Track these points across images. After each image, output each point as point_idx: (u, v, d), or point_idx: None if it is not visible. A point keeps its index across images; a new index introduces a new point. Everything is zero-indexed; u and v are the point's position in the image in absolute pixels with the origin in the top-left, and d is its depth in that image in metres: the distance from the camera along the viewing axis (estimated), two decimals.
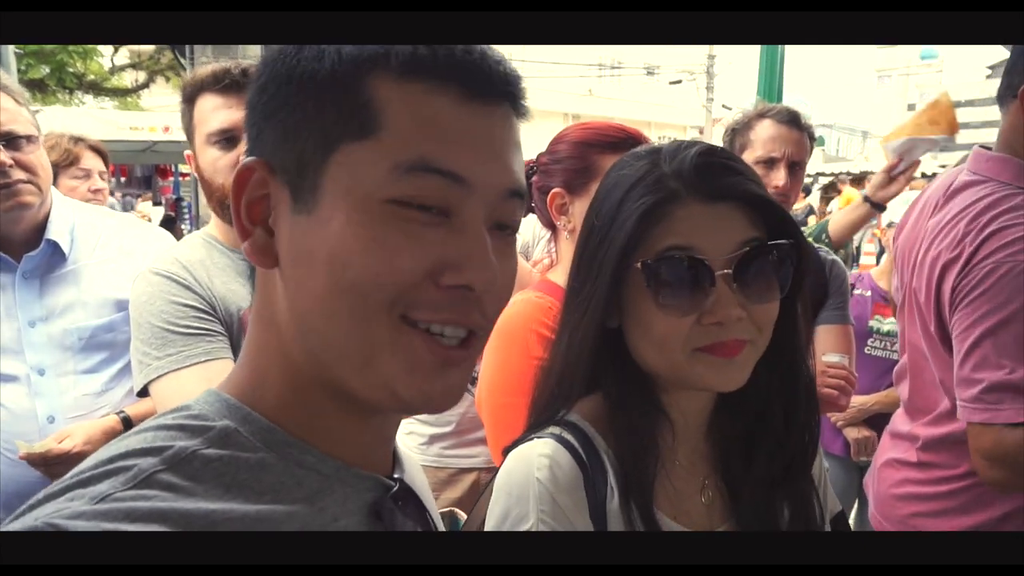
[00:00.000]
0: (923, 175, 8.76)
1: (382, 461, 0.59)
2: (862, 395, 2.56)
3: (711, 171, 0.77)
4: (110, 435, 1.50)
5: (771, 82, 3.48)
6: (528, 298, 1.34)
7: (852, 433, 2.59)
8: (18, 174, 1.45)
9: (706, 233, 0.75)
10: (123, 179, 11.29)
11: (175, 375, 1.15)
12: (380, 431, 0.58)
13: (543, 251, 1.91)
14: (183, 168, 11.34)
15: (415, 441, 1.88)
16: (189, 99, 1.38)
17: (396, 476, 0.59)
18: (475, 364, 0.55)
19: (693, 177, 0.77)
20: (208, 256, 1.33)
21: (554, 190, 1.35)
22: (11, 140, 1.44)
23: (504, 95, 0.52)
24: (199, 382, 1.12)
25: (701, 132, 26.44)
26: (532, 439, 0.82)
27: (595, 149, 1.32)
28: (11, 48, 3.33)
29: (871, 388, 2.60)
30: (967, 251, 1.32)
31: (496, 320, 0.54)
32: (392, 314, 0.49)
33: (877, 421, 2.52)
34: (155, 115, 8.15)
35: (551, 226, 1.42)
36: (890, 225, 2.67)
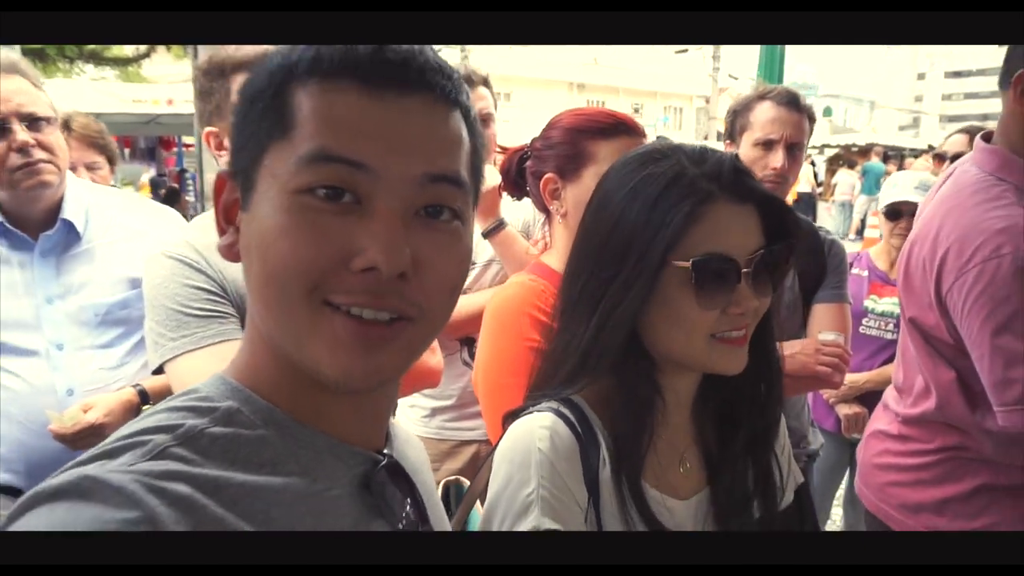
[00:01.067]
0: (930, 147, 8.70)
1: (374, 437, 0.64)
2: (855, 373, 2.61)
3: (742, 175, 0.85)
4: (128, 407, 1.57)
5: (772, 51, 3.47)
6: (522, 281, 1.38)
7: (844, 410, 2.64)
8: (39, 154, 1.50)
9: (735, 234, 0.83)
10: (127, 150, 11.31)
11: (190, 355, 1.20)
12: (367, 409, 0.62)
13: (541, 232, 1.96)
14: (186, 140, 11.32)
15: (417, 414, 1.95)
16: (222, 75, 1.37)
17: (386, 452, 0.64)
18: (417, 350, 0.58)
19: (730, 181, 0.84)
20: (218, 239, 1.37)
21: (547, 175, 1.39)
22: (32, 121, 1.49)
23: (413, 84, 0.55)
24: (212, 362, 1.17)
25: (707, 101, 26.20)
26: (532, 412, 0.88)
27: (586, 135, 1.35)
28: None
29: (864, 367, 2.64)
30: (953, 251, 1.33)
31: (437, 310, 0.57)
32: (312, 299, 0.53)
33: (869, 399, 2.57)
34: (158, 87, 8.13)
35: (545, 210, 1.46)
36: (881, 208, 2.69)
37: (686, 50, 25.07)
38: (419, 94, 0.55)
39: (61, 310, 1.59)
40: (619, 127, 1.36)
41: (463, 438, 1.88)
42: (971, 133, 3.37)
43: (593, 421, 0.88)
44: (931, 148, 8.57)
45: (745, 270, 0.83)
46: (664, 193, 0.83)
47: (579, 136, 1.36)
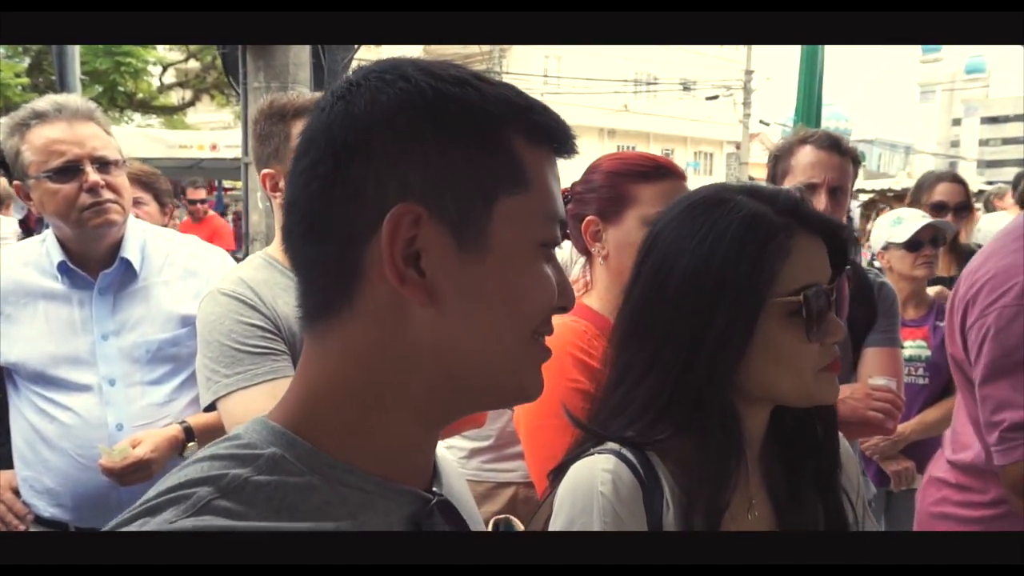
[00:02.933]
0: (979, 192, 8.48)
1: (423, 474, 0.63)
2: None
3: (810, 208, 0.88)
4: (173, 444, 1.60)
5: (810, 97, 3.48)
6: (564, 322, 1.40)
7: (891, 466, 2.52)
8: (107, 194, 1.57)
9: (819, 266, 0.86)
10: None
11: (243, 392, 1.21)
12: (421, 447, 0.62)
13: (579, 272, 1.97)
14: (226, 184, 11.65)
15: (455, 455, 1.95)
16: (282, 120, 1.42)
17: (435, 489, 0.63)
18: None
19: (805, 215, 0.86)
20: (271, 276, 1.39)
21: (588, 218, 1.41)
22: (103, 164, 1.57)
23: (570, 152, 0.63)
24: (265, 399, 1.17)
25: (738, 147, 26.24)
26: (593, 454, 0.88)
27: (627, 179, 1.38)
28: (77, 73, 3.52)
29: (901, 417, 2.55)
30: (985, 289, 1.34)
31: None
32: (531, 331, 0.60)
33: (914, 450, 2.48)
34: (203, 134, 8.43)
35: (586, 252, 1.48)
36: (886, 248, 2.62)
37: (716, 96, 25.22)
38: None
39: (115, 346, 1.64)
40: (660, 170, 1.39)
41: (501, 480, 1.87)
42: None
43: (656, 464, 0.87)
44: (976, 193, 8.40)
45: (831, 299, 0.85)
46: (748, 234, 0.84)
47: (620, 179, 1.39)
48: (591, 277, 1.49)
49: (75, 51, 3.53)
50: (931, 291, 2.69)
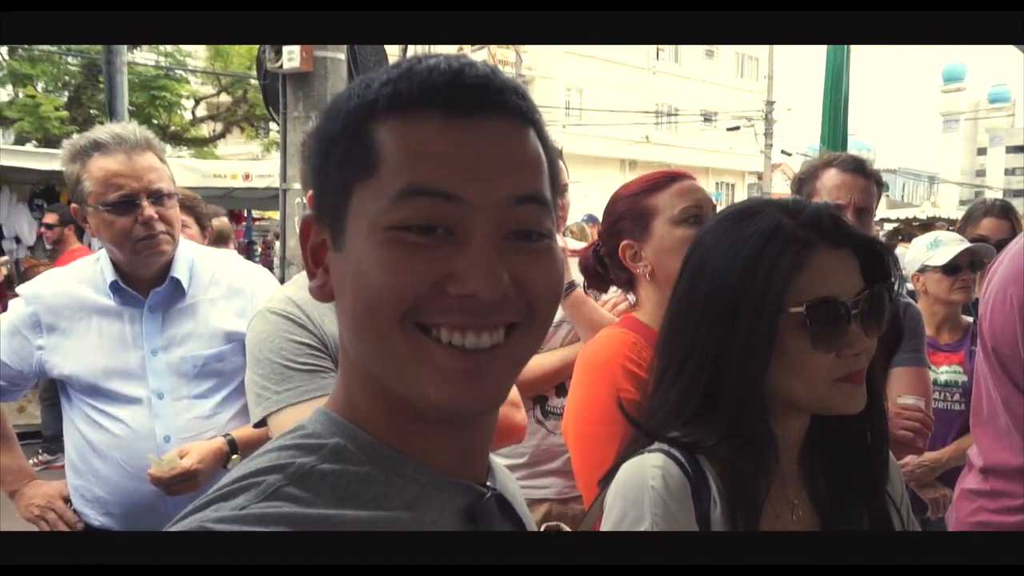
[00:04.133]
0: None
1: (476, 470, 0.64)
2: (930, 452, 2.49)
3: (838, 222, 0.90)
4: (218, 456, 1.65)
5: (835, 126, 3.50)
6: (614, 332, 1.44)
7: (928, 494, 2.47)
8: (160, 227, 1.65)
9: (839, 277, 0.88)
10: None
11: (294, 408, 1.24)
12: (468, 441, 0.62)
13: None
14: (256, 213, 11.88)
15: None
16: None
17: (488, 484, 0.64)
18: (521, 361, 0.58)
19: (828, 228, 0.89)
20: None
21: (623, 244, 1.47)
22: (158, 197, 1.65)
23: (492, 106, 0.55)
24: None
25: (760, 178, 26.21)
26: (643, 453, 0.91)
27: (643, 195, 1.46)
28: (126, 104, 3.65)
29: (937, 444, 2.52)
30: None
31: (542, 309, 0.57)
32: (406, 324, 0.53)
33: (951, 477, 2.45)
34: (235, 163, 8.63)
35: (629, 287, 1.53)
36: (922, 270, 2.61)
37: (737, 127, 25.30)
38: (498, 116, 0.55)
39: (163, 361, 1.70)
40: (668, 177, 1.48)
41: (535, 496, 1.90)
42: None
43: (703, 462, 0.90)
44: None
45: (854, 311, 0.86)
46: (766, 246, 0.88)
47: (637, 198, 1.47)
48: (638, 296, 1.53)
49: (124, 86, 3.66)
50: None
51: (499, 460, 1.92)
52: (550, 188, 0.59)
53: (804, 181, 1.98)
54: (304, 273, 1.62)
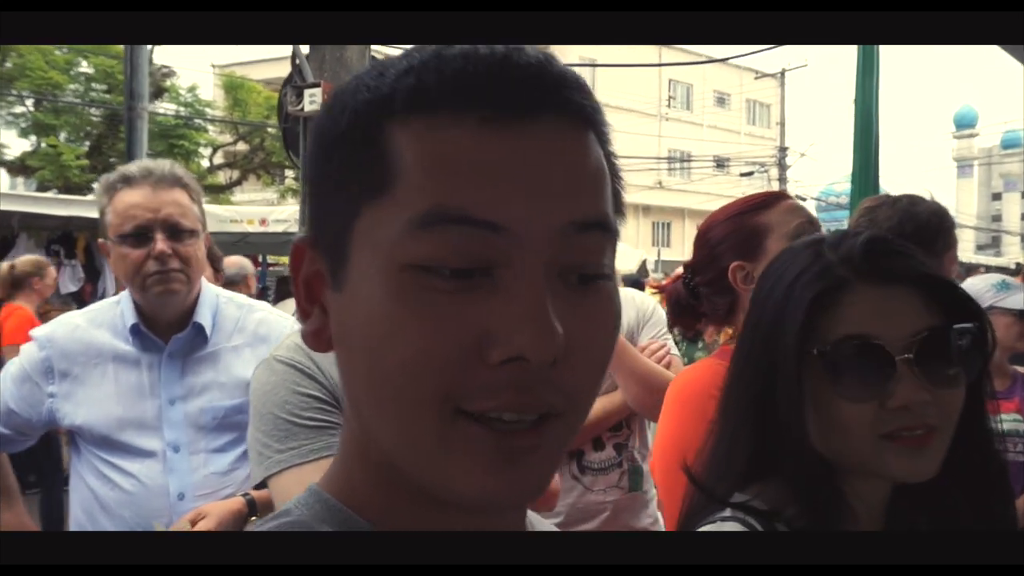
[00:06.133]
0: (1018, 266, 8.34)
1: None
2: None
3: (880, 255, 0.79)
4: (238, 519, 1.54)
5: (866, 169, 3.43)
6: (709, 363, 1.35)
7: None
8: (173, 263, 1.56)
9: (881, 318, 0.77)
10: None
11: (297, 470, 1.12)
12: (492, 528, 0.49)
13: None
14: (271, 259, 11.96)
15: None
16: None
17: None
18: (561, 450, 0.46)
19: (862, 262, 0.79)
20: None
21: (733, 265, 1.37)
22: (175, 232, 1.57)
23: (547, 106, 0.42)
24: (319, 478, 1.11)
25: None
26: (717, 520, 0.82)
27: (748, 214, 1.37)
28: (144, 150, 3.66)
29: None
30: None
31: (586, 397, 0.45)
32: (444, 408, 0.41)
33: None
34: (251, 209, 8.70)
35: (728, 313, 1.42)
36: (988, 310, 2.53)
37: (751, 172, 25.43)
38: (554, 119, 0.42)
39: (181, 411, 1.60)
40: (772, 196, 1.41)
41: None
42: None
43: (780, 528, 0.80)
44: (1019, 266, 8.25)
45: (904, 356, 0.74)
46: (795, 282, 0.81)
47: (743, 218, 1.37)
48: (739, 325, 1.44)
49: (144, 131, 3.68)
50: None
51: (532, 520, 1.81)
52: (615, 207, 0.46)
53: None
54: None
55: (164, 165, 1.63)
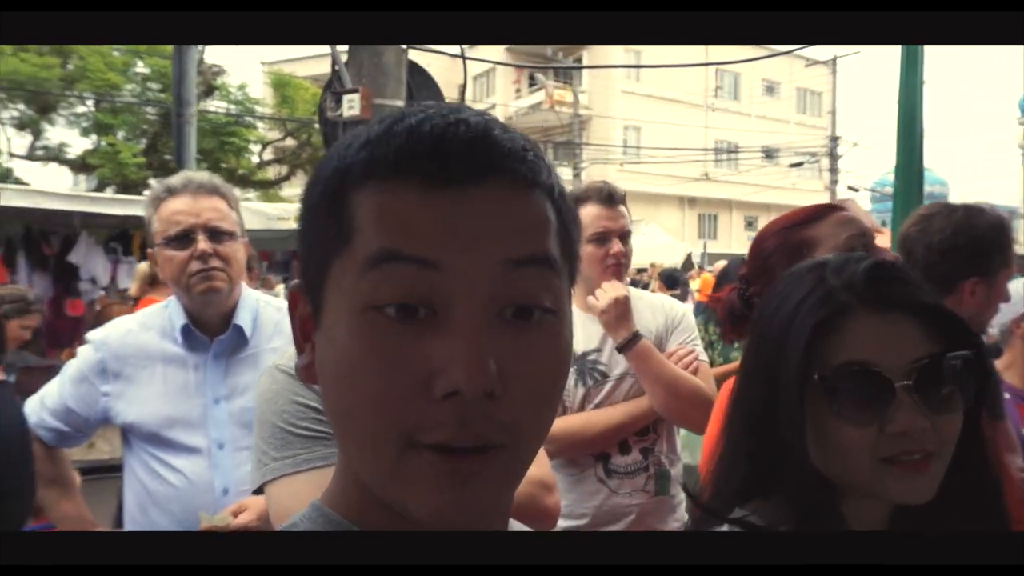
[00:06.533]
0: None
1: None
2: None
3: (882, 282, 0.81)
4: None
5: (910, 161, 3.33)
6: None
7: None
8: (215, 262, 1.67)
9: (882, 345, 0.78)
10: (264, 263, 12.27)
11: (290, 479, 1.14)
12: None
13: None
14: None
15: None
16: None
17: None
18: (509, 476, 0.49)
19: (864, 289, 0.80)
20: None
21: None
22: (215, 234, 1.68)
23: (480, 172, 0.47)
24: (312, 488, 1.04)
25: None
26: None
27: (800, 227, 1.37)
28: (193, 151, 3.80)
29: None
30: None
31: (528, 429, 0.48)
32: (400, 441, 0.46)
33: None
34: (298, 206, 8.84)
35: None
36: None
37: (801, 163, 24.82)
38: (492, 183, 0.47)
39: (225, 410, 1.69)
40: (824, 209, 1.39)
41: None
42: None
43: None
44: None
45: (903, 383, 0.76)
46: (798, 308, 0.82)
47: (791, 232, 1.38)
48: None
49: (192, 136, 3.80)
50: None
51: (559, 522, 1.85)
52: (563, 254, 0.50)
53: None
54: None
55: (203, 176, 1.75)
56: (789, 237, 1.37)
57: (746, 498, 0.85)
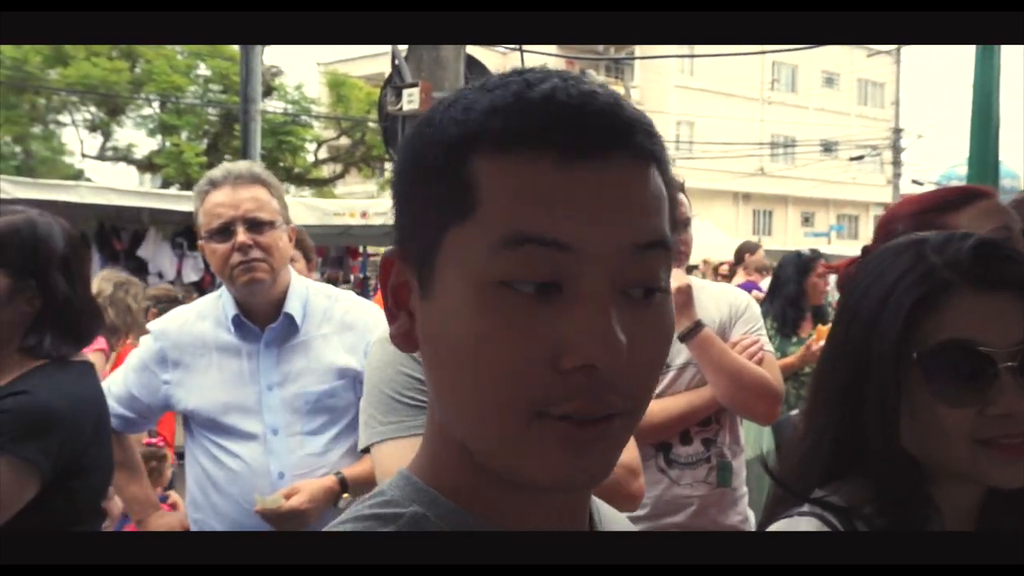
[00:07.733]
0: None
1: (576, 523, 0.57)
2: None
3: (990, 261, 0.78)
4: (330, 495, 1.63)
5: (984, 153, 3.18)
6: None
7: None
8: (255, 253, 1.67)
9: (987, 324, 0.76)
10: (320, 259, 12.53)
11: (395, 442, 1.23)
12: (563, 508, 0.55)
13: None
14: (371, 249, 12.38)
15: None
16: None
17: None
18: (624, 440, 0.51)
19: (970, 267, 0.78)
20: None
21: None
22: (255, 225, 1.68)
23: (614, 145, 0.48)
24: (415, 452, 1.18)
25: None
26: (794, 516, 0.82)
27: (938, 212, 1.27)
28: (258, 148, 3.87)
29: None
30: None
31: (645, 396, 0.51)
32: (527, 411, 0.47)
33: None
34: (353, 202, 9.03)
35: None
36: None
37: (862, 157, 24.06)
38: (620, 156, 0.48)
39: (278, 397, 1.71)
40: (970, 194, 1.28)
41: None
42: None
43: (859, 527, 0.80)
44: None
45: (1008, 364, 0.74)
46: (896, 285, 0.80)
47: (927, 216, 1.27)
48: None
49: (257, 133, 3.87)
50: None
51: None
52: (671, 226, 0.52)
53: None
54: None
55: (242, 165, 1.76)
56: (925, 223, 1.25)
57: (828, 478, 0.83)
